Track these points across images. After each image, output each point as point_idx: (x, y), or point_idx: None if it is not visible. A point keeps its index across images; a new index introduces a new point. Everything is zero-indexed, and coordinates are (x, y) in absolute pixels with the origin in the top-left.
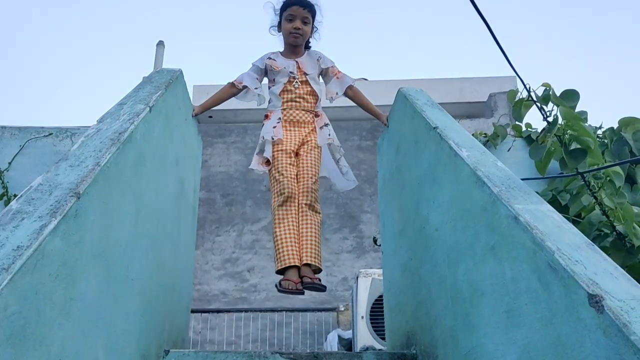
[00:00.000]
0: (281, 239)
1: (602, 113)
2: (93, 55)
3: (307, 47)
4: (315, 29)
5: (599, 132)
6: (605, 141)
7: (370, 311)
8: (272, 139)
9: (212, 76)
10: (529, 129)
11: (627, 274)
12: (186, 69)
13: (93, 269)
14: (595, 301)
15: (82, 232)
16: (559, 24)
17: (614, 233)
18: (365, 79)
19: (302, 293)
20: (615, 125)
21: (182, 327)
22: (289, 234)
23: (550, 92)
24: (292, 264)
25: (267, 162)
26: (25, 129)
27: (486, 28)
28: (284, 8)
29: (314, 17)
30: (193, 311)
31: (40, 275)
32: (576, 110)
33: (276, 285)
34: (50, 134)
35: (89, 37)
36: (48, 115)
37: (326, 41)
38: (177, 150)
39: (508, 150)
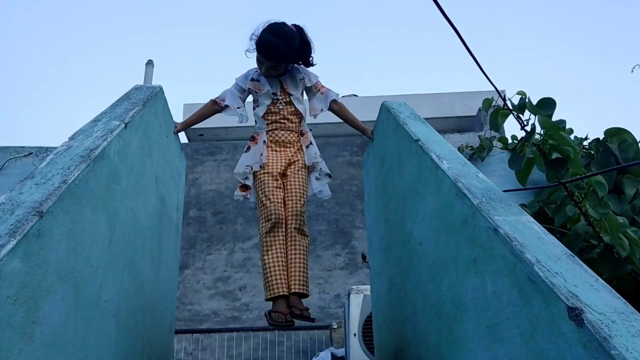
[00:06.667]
0: (269, 267)
1: (589, 124)
2: (81, 75)
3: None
4: (296, 63)
5: (585, 143)
6: (592, 152)
7: (363, 328)
8: (260, 167)
9: (203, 95)
10: (514, 141)
11: (608, 285)
12: (177, 88)
13: (59, 290)
14: (575, 314)
15: (45, 252)
16: (546, 35)
17: (601, 244)
18: (355, 95)
19: (293, 324)
20: (601, 136)
21: (164, 349)
22: (277, 262)
23: (527, 101)
24: (281, 293)
25: (244, 186)
26: (4, 148)
27: (457, 37)
28: (255, 44)
29: (288, 59)
30: (184, 332)
31: None
32: (554, 119)
33: (266, 316)
34: (30, 154)
35: (78, 56)
36: (32, 134)
37: (317, 58)
38: (157, 167)
39: (482, 160)
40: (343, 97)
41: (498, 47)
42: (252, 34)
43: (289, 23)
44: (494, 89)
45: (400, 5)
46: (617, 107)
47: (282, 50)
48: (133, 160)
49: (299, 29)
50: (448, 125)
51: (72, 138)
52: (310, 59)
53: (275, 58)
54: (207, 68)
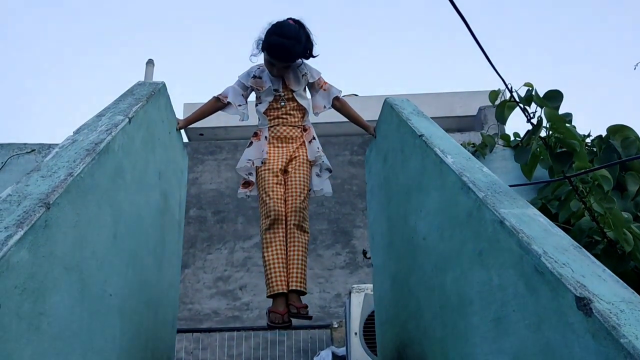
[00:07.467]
0: (269, 264)
1: (592, 120)
2: (81, 74)
3: None
4: (302, 60)
5: (588, 140)
6: (594, 149)
7: (364, 327)
8: (262, 163)
9: (203, 94)
10: (517, 138)
11: (615, 275)
12: (177, 87)
13: (66, 282)
14: (584, 304)
15: (52, 244)
16: (547, 30)
17: (605, 240)
18: (356, 95)
19: (290, 324)
20: (604, 134)
21: (167, 346)
22: (277, 258)
23: (533, 93)
24: (280, 291)
25: (247, 183)
26: (7, 145)
27: (468, 31)
28: (265, 49)
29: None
30: (185, 331)
31: (4, 288)
32: (561, 112)
33: (266, 315)
34: (33, 150)
35: (78, 55)
36: (33, 132)
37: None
38: (160, 163)
39: (484, 157)
40: (344, 96)
41: (498, 45)
42: (258, 38)
43: (286, 18)
44: (500, 82)
45: (400, 5)
46: (619, 104)
47: (294, 49)
48: (137, 155)
49: (298, 23)
50: (448, 125)
51: (76, 132)
52: (313, 50)
53: (288, 59)
54: (208, 67)
